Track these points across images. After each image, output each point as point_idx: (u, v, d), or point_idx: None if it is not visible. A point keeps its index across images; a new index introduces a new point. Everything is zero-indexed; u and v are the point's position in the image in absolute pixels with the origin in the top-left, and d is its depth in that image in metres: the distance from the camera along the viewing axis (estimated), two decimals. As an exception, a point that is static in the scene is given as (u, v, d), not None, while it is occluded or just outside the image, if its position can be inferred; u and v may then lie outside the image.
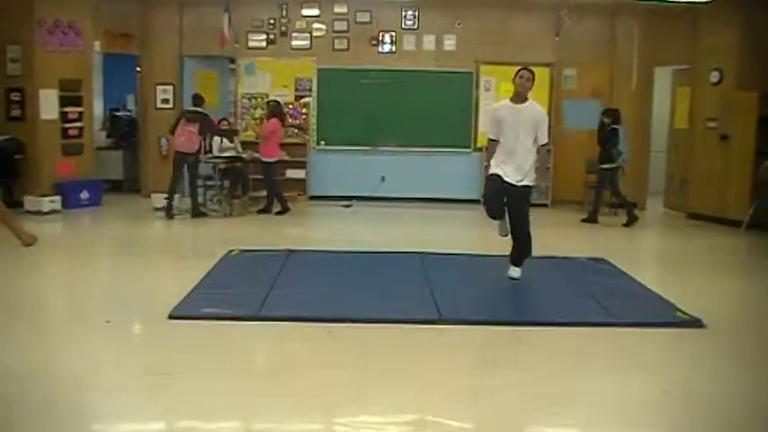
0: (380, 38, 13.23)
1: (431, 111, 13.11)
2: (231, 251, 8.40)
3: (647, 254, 10.23)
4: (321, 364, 5.16)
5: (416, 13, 13.19)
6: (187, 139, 11.00)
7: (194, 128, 11.02)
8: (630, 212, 11.30)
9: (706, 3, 11.11)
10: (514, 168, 7.16)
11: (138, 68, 13.55)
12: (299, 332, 5.82)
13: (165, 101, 13.17)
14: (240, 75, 13.29)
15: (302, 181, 13.30)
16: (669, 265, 8.96)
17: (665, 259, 9.54)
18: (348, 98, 13.05)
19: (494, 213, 7.42)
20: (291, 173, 13.15)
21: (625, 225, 11.13)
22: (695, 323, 6.18)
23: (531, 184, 7.32)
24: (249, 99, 13.29)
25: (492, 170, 7.30)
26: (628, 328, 6.07)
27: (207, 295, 6.59)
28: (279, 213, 11.62)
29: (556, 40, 12.85)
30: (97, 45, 13.23)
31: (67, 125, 11.88)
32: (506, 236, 7.47)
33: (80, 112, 12.05)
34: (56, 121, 11.71)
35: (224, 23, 12.43)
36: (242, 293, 6.68)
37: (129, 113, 14.56)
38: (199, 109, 11.21)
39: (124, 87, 14.55)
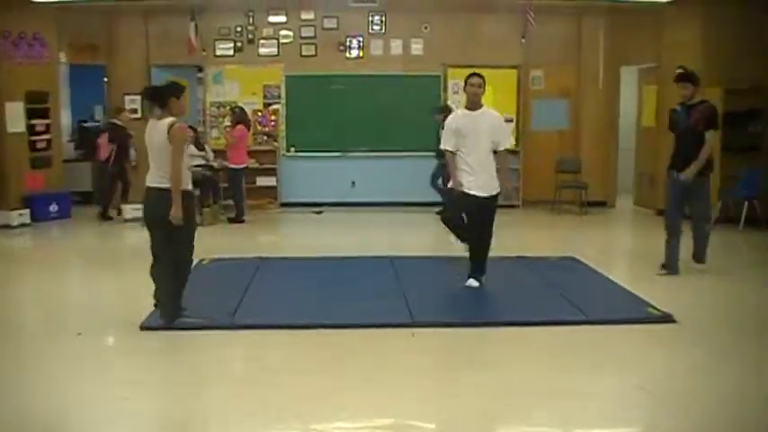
0: (348, 43, 13.22)
1: (400, 115, 13.10)
2: (202, 260, 8.29)
3: (617, 251, 10.29)
4: (295, 370, 5.13)
5: (383, 18, 13.19)
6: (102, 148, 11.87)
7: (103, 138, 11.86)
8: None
9: (669, 2, 11.20)
10: (485, 179, 7.11)
11: (106, 79, 13.43)
12: (272, 340, 5.80)
13: (134, 110, 13.05)
14: (208, 83, 13.21)
15: (272, 188, 13.24)
16: (640, 261, 9.00)
17: (635, 256, 9.59)
18: (317, 104, 13.00)
19: (464, 235, 7.42)
20: (262, 180, 13.08)
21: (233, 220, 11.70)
22: (666, 319, 6.22)
23: (496, 192, 7.28)
24: (217, 107, 13.21)
25: (464, 188, 7.13)
26: (600, 326, 6.11)
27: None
28: (233, 221, 11.56)
29: (522, 41, 12.92)
30: (63, 56, 13.10)
31: (35, 138, 11.74)
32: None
33: (47, 125, 11.91)
34: (23, 133, 11.56)
35: (191, 32, 12.37)
36: (214, 302, 6.62)
37: (97, 124, 14.42)
38: (114, 120, 12.02)
39: (92, 98, 14.39)
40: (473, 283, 7.24)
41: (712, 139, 7.73)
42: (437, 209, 11.61)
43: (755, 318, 6.56)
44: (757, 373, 5.18)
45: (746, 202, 10.81)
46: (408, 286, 7.26)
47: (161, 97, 5.99)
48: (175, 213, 5.74)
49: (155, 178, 5.88)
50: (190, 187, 6.06)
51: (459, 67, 13.04)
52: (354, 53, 13.25)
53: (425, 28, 13.22)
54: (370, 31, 13.23)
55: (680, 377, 5.05)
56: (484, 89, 7.14)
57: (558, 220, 11.88)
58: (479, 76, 7.17)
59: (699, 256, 8.07)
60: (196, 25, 12.46)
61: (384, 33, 13.24)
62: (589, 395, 4.72)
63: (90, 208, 12.86)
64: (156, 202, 5.84)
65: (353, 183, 13.25)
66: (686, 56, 11.67)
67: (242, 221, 11.54)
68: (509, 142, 7.33)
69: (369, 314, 6.32)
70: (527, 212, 12.84)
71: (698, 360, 5.40)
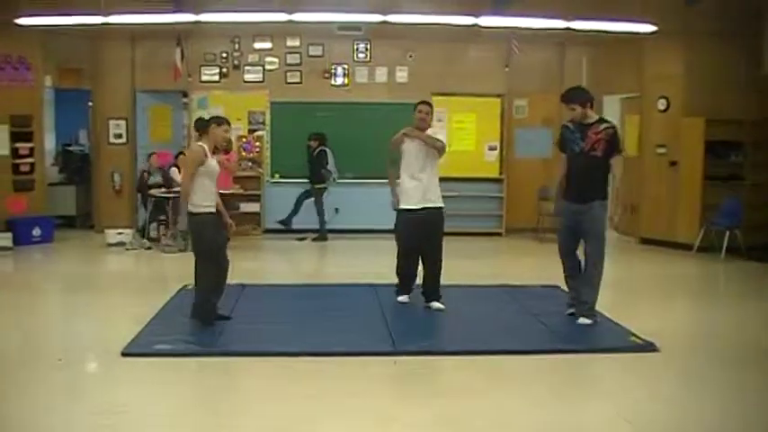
0: (333, 71, 13.28)
1: (384, 143, 12.98)
2: (185, 286, 8.27)
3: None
4: (277, 398, 5.10)
5: (368, 46, 13.27)
6: None
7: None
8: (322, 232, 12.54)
9: (650, 33, 11.33)
10: (422, 192, 7.44)
11: (91, 103, 13.41)
12: (254, 367, 5.76)
13: (119, 135, 13.02)
14: (193, 108, 13.21)
15: (256, 214, 13.22)
16: (622, 290, 9.04)
17: (617, 284, 9.60)
18: (302, 131, 12.97)
19: (407, 269, 7.72)
20: (245, 206, 13.05)
21: (311, 239, 12.45)
22: (649, 347, 6.24)
23: (443, 205, 7.58)
24: (203, 133, 13.19)
25: (402, 204, 7.57)
26: (582, 355, 6.12)
27: (160, 331, 6.49)
28: None
29: (506, 70, 13.01)
30: (48, 80, 13.10)
31: (18, 161, 11.71)
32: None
33: (31, 148, 11.88)
34: (7, 156, 11.54)
35: (176, 57, 12.38)
36: (196, 329, 6.60)
37: (81, 148, 14.40)
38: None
39: (76, 122, 14.38)
40: (436, 305, 7.55)
41: (621, 165, 6.96)
42: (314, 235, 12.55)
43: (739, 347, 6.56)
44: (740, 404, 5.18)
45: (728, 232, 10.89)
46: (391, 314, 7.27)
47: (203, 124, 7.05)
48: (227, 220, 7.06)
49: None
50: (212, 209, 6.77)
51: (445, 95, 13.16)
52: (339, 80, 13.30)
53: (410, 56, 13.30)
54: (356, 58, 13.30)
55: (661, 407, 5.05)
56: (431, 117, 7.67)
57: (542, 248, 11.90)
58: (428, 104, 7.69)
59: (579, 305, 7.05)
60: (182, 51, 12.47)
61: (369, 61, 13.31)
62: (570, 425, 4.71)
63: (73, 232, 12.81)
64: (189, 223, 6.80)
65: (337, 209, 13.25)
66: (668, 86, 11.87)
67: None
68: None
69: (351, 342, 6.30)
70: (510, 240, 12.89)
71: (680, 390, 5.41)
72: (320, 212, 12.63)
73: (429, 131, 7.63)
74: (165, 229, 11.57)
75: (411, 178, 7.52)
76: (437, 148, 7.50)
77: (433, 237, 7.54)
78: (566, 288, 7.39)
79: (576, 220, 6.92)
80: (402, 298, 7.76)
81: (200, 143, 6.77)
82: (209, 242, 6.68)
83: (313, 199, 12.67)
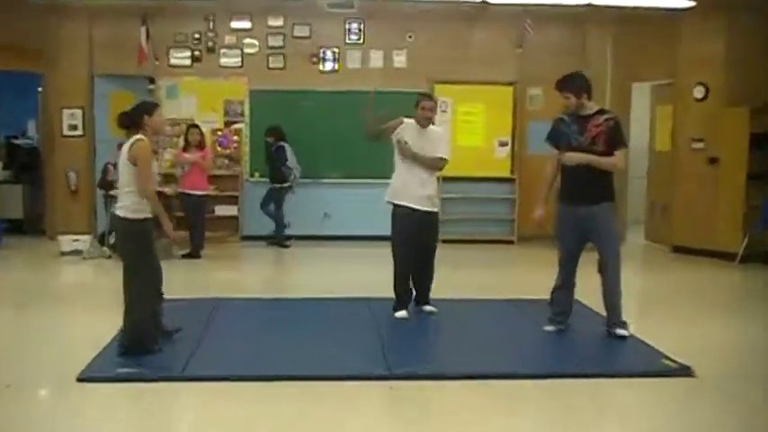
0: (321, 55, 13.27)
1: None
2: (151, 300, 8.27)
3: (627, 293, 10.20)
4: (255, 429, 5.08)
5: (362, 26, 13.28)
6: None
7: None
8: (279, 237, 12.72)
9: (687, 9, 11.28)
10: (421, 191, 7.74)
11: (41, 89, 13.36)
12: (229, 393, 5.72)
13: (74, 127, 13.00)
14: (161, 97, 13.18)
15: (233, 219, 13.20)
16: (653, 305, 9.03)
17: (647, 299, 9.62)
18: (285, 123, 12.96)
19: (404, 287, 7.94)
20: (221, 209, 13.04)
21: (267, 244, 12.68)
22: (684, 371, 6.21)
23: (438, 210, 7.93)
24: (172, 125, 13.16)
25: (397, 199, 7.83)
26: (607, 379, 6.10)
27: (123, 353, 6.46)
28: (187, 257, 11.52)
29: (518, 52, 13.01)
30: (-11, 62, 13.04)
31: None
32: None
33: (-31, 141, 11.85)
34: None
35: (142, 38, 12.36)
36: (164, 350, 6.55)
37: (30, 142, 14.36)
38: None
39: (24, 111, 14.33)
40: (428, 308, 8.01)
41: (623, 159, 7.01)
42: (271, 238, 12.72)
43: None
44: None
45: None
46: (386, 332, 7.27)
47: (133, 119, 6.51)
48: (169, 232, 6.86)
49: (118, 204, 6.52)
50: (148, 215, 6.45)
51: (448, 83, 13.17)
52: (329, 66, 13.31)
53: (409, 38, 13.32)
54: (347, 40, 13.31)
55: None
56: (435, 112, 7.93)
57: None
58: (432, 99, 7.98)
59: (613, 319, 7.14)
60: (148, 30, 12.46)
61: (363, 44, 13.32)
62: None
63: (21, 238, 12.76)
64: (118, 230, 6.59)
65: (326, 214, 13.25)
66: (707, 71, 11.79)
67: (197, 257, 11.49)
68: (445, 152, 7.90)
69: (341, 364, 6.27)
70: (523, 249, 12.89)
71: (719, 421, 5.39)
72: (279, 216, 12.75)
73: (431, 127, 7.88)
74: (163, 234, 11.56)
75: (406, 176, 7.78)
76: (438, 169, 7.90)
77: (429, 236, 7.91)
78: (552, 300, 7.39)
79: (582, 225, 7.00)
80: (401, 314, 7.82)
81: (141, 138, 6.39)
82: (149, 253, 6.56)
83: (270, 202, 12.82)
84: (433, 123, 7.93)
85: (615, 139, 6.87)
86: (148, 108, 6.57)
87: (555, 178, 7.24)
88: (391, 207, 7.89)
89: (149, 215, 6.44)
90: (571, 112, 7.07)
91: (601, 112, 7.05)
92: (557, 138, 7.15)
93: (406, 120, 7.85)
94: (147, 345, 6.38)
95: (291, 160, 12.65)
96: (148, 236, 6.49)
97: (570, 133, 7.00)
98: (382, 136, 7.89)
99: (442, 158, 7.79)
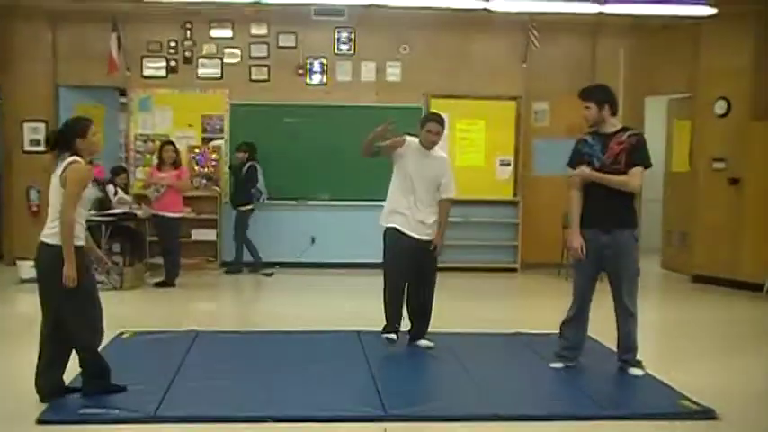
0: (308, 66, 13.28)
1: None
2: (122, 333, 8.20)
3: (641, 327, 10.17)
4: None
5: (352, 36, 13.30)
6: None
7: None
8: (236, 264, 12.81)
9: (708, 17, 11.29)
10: (418, 219, 7.75)
11: (-1, 100, 13.32)
12: (207, 437, 5.68)
13: (36, 142, 12.94)
14: (133, 110, 13.18)
15: (212, 243, 13.17)
16: (670, 340, 9.01)
17: (665, 333, 9.60)
18: (269, 141, 12.99)
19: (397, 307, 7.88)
20: (198, 234, 13.00)
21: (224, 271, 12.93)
22: (706, 414, 6.16)
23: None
24: (145, 141, 13.15)
25: (391, 223, 7.85)
26: (622, 422, 6.05)
27: (86, 393, 6.39)
28: (161, 285, 11.48)
29: (523, 67, 13.04)
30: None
31: None
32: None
33: None
34: None
35: (112, 46, 12.34)
36: (135, 388, 6.47)
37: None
38: None
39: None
40: (424, 343, 7.99)
41: (638, 177, 6.85)
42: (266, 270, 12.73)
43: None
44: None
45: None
46: (379, 368, 7.23)
47: (64, 140, 6.19)
48: (69, 272, 5.96)
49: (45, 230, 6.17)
50: (82, 242, 6.23)
51: (445, 98, 13.17)
52: (316, 78, 13.33)
53: (404, 49, 13.34)
54: (337, 51, 13.34)
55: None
56: (441, 135, 7.90)
57: (566, 287, 11.79)
58: (440, 123, 7.84)
59: (626, 353, 7.22)
60: (119, 37, 12.46)
61: (353, 54, 13.35)
62: None
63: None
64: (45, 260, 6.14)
65: (313, 239, 13.23)
66: (729, 84, 11.79)
67: (172, 285, 11.44)
68: (453, 190, 7.97)
69: (331, 404, 6.21)
70: (527, 277, 12.88)
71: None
72: (244, 240, 12.82)
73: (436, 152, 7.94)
74: (98, 263, 11.46)
75: (404, 200, 7.80)
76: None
77: (427, 268, 7.89)
78: (562, 333, 7.38)
79: (601, 253, 6.98)
80: (389, 336, 7.81)
81: (77, 160, 6.12)
82: (88, 284, 6.30)
83: (236, 223, 12.91)
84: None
85: (635, 156, 6.84)
86: (80, 130, 6.22)
87: (581, 201, 7.13)
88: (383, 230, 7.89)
89: (82, 243, 6.23)
90: (593, 130, 7.06)
91: (624, 129, 7.03)
92: (578, 160, 7.11)
93: (409, 138, 7.85)
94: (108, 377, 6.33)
95: (261, 182, 12.74)
96: (83, 265, 6.17)
97: (593, 153, 6.98)
98: (381, 154, 7.86)
99: (448, 198, 7.94)
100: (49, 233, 6.10)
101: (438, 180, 7.78)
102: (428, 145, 7.76)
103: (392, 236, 7.78)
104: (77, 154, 6.13)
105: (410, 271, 7.77)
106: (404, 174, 7.79)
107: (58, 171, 6.08)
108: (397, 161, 7.85)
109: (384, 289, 7.87)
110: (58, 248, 6.00)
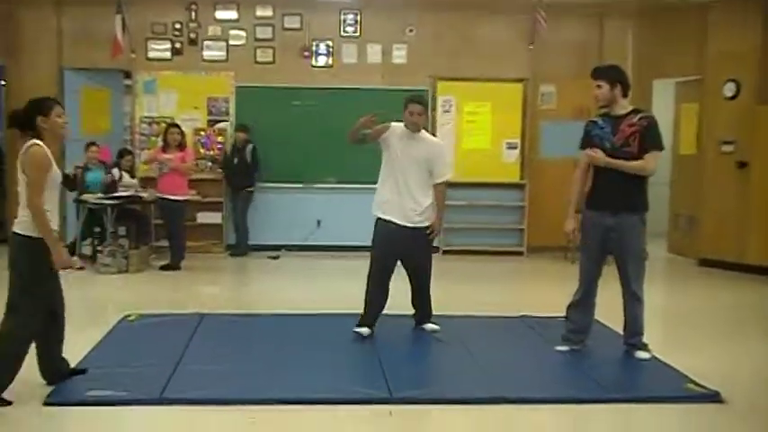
0: (314, 48, 13.26)
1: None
2: (127, 316, 8.25)
3: (648, 311, 10.17)
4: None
5: (358, 18, 13.27)
6: None
7: None
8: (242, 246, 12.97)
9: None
10: (407, 208, 7.65)
11: (4, 83, 13.32)
12: (212, 419, 5.70)
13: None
14: (138, 93, 13.17)
15: (218, 227, 13.19)
16: (677, 324, 9.01)
17: (671, 317, 9.59)
18: (274, 123, 13.00)
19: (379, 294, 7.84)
20: (204, 217, 13.02)
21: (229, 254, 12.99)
22: (711, 397, 6.18)
23: (429, 224, 7.74)
24: (150, 124, 13.16)
25: (378, 212, 7.79)
26: (628, 405, 6.08)
27: (95, 373, 6.41)
28: (166, 268, 11.53)
29: (530, 49, 13.01)
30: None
31: None
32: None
33: None
34: None
35: (116, 28, 12.32)
36: (141, 371, 6.53)
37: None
38: None
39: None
40: (430, 327, 8.01)
41: (654, 161, 6.87)
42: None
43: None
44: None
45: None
46: (386, 352, 7.22)
47: (26, 118, 5.99)
48: (57, 258, 5.89)
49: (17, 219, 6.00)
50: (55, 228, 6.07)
51: (452, 80, 13.16)
52: (322, 61, 13.31)
53: (410, 31, 13.31)
54: (342, 33, 13.31)
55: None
56: (426, 117, 7.95)
57: (572, 271, 11.78)
58: (420, 103, 7.81)
59: (632, 337, 7.21)
60: (123, 20, 12.43)
61: (359, 37, 13.31)
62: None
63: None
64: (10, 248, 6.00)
65: (319, 222, 13.24)
66: (738, 66, 11.76)
67: (177, 268, 11.47)
68: (447, 173, 7.87)
69: (335, 387, 6.25)
70: (533, 261, 12.88)
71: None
72: (245, 222, 12.95)
73: (425, 136, 7.87)
74: (102, 245, 11.51)
75: (394, 187, 7.73)
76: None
77: (420, 254, 7.86)
78: (568, 317, 7.38)
79: (606, 236, 6.97)
80: (361, 330, 7.74)
81: (37, 143, 5.90)
82: (45, 278, 6.05)
83: (240, 206, 12.99)
84: (426, 130, 7.93)
85: (648, 139, 6.81)
86: (43, 107, 5.99)
87: (585, 183, 7.14)
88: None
89: (56, 228, 6.06)
90: (603, 112, 7.03)
91: (635, 111, 6.99)
92: (588, 143, 7.04)
93: (394, 124, 7.83)
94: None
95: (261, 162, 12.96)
96: (46, 259, 5.90)
97: (603, 135, 6.93)
98: (366, 141, 7.91)
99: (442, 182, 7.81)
100: (19, 221, 5.94)
101: (429, 163, 7.67)
102: (412, 127, 7.68)
103: (380, 228, 7.75)
104: (40, 136, 5.93)
105: (398, 260, 7.76)
106: (392, 159, 7.76)
107: (20, 156, 5.90)
108: (384, 149, 7.84)
109: (367, 281, 7.86)
110: (22, 238, 5.87)
